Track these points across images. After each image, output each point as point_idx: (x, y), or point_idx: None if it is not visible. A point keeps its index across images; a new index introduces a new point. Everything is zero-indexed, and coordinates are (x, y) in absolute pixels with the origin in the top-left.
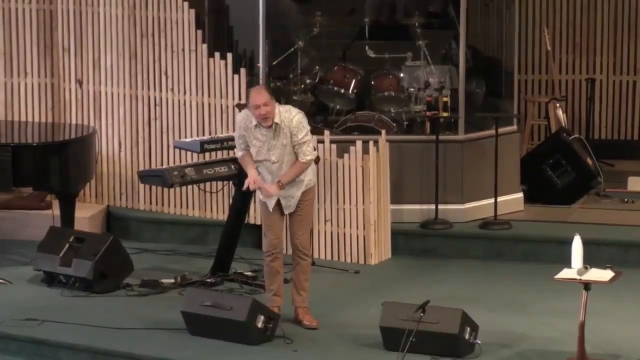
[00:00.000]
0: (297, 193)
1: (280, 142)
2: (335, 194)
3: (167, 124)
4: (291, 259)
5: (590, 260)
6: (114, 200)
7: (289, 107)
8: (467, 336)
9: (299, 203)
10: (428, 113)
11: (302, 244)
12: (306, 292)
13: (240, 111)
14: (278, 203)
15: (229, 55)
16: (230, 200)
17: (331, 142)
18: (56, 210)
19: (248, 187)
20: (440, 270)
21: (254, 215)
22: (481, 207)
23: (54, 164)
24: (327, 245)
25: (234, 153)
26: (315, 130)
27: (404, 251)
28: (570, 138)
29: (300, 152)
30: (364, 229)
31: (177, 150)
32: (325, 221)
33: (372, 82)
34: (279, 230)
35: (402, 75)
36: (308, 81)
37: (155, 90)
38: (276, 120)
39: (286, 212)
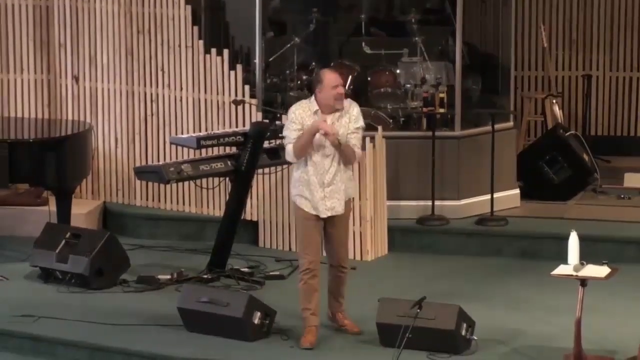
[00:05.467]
0: (342, 195)
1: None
2: None
3: (164, 120)
4: (328, 270)
5: (586, 257)
6: (111, 197)
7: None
8: (463, 332)
9: (338, 219)
10: (424, 109)
11: (343, 260)
12: (344, 298)
13: (236, 106)
14: (318, 215)
15: (226, 52)
16: (227, 197)
17: None
18: (52, 207)
19: (326, 133)
20: (436, 267)
21: (250, 212)
22: (477, 203)
23: (50, 160)
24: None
25: (231, 149)
26: None
27: (400, 247)
28: (567, 134)
29: (353, 139)
30: (360, 225)
31: (173, 147)
32: None
33: (369, 78)
34: (318, 248)
35: (398, 71)
36: (304, 77)
37: (151, 87)
38: (345, 104)
39: (328, 214)
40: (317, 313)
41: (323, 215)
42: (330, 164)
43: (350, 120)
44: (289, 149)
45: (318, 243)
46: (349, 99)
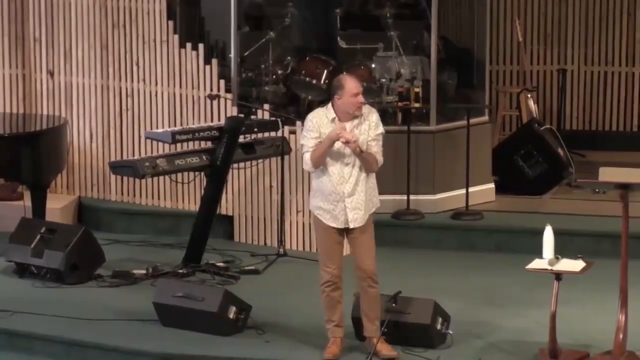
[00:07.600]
0: (365, 206)
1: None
2: (308, 184)
3: (139, 115)
4: (357, 286)
5: (561, 251)
6: (86, 191)
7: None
8: (439, 327)
9: (361, 228)
10: (400, 104)
11: (372, 271)
12: (379, 320)
13: (212, 101)
14: (341, 225)
15: (201, 46)
16: (202, 191)
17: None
18: (28, 201)
19: (347, 140)
20: (412, 261)
21: (226, 206)
22: (453, 197)
23: (25, 155)
24: (299, 235)
25: (206, 144)
26: (287, 121)
27: (375, 241)
28: (542, 129)
29: (374, 147)
30: None
31: (148, 141)
32: (297, 212)
33: (344, 73)
34: (339, 259)
35: (373, 65)
36: (280, 72)
37: (126, 81)
38: (364, 110)
39: (352, 225)
40: (342, 324)
41: (343, 226)
42: (350, 173)
43: (370, 127)
44: (307, 157)
45: (339, 254)
46: (367, 105)
